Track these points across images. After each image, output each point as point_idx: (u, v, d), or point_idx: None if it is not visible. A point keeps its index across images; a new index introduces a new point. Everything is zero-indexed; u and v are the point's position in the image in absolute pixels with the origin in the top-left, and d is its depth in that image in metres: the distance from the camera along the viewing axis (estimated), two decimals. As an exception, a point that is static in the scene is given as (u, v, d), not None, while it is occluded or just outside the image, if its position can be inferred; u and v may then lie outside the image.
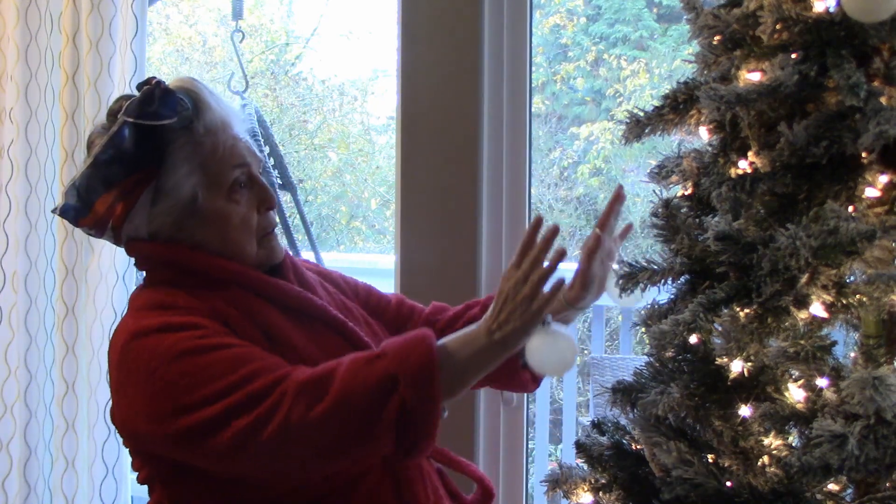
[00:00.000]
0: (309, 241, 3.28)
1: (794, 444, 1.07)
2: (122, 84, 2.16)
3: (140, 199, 1.34)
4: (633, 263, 1.17)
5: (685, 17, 1.18)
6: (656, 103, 1.20)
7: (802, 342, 1.03)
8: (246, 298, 1.36)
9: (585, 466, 1.25)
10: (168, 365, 1.22)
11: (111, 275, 2.21)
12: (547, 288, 1.18)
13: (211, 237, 1.37)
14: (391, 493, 1.35)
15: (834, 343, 1.05)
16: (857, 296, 1.01)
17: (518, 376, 1.48)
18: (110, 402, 1.32)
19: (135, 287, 1.41)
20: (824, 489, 1.03)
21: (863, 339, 1.06)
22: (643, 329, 1.18)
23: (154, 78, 1.35)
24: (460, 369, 1.22)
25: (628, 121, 1.19)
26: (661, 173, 1.23)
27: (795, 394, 1.05)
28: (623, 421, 1.25)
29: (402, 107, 2.05)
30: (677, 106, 1.15)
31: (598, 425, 1.28)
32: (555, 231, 1.20)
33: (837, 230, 0.95)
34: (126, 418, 1.28)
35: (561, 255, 1.19)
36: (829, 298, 1.01)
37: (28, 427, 2.29)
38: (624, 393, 1.17)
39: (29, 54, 2.23)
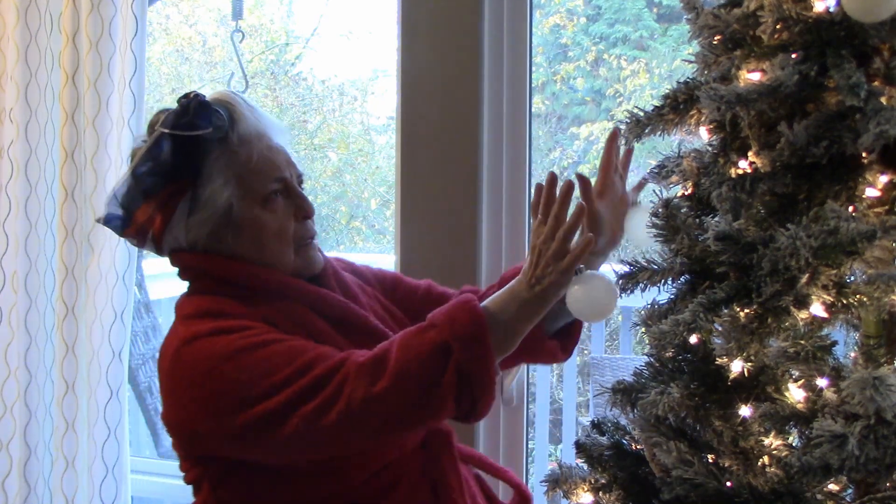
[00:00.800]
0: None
1: (794, 445, 1.07)
2: (122, 84, 2.16)
3: (177, 210, 1.36)
4: (633, 263, 1.17)
5: (685, 17, 1.18)
6: (656, 103, 1.20)
7: (802, 342, 1.03)
8: (289, 307, 1.37)
9: (585, 466, 1.25)
10: (225, 363, 1.25)
11: (111, 275, 2.21)
12: (574, 242, 1.22)
13: (248, 246, 1.38)
14: (428, 497, 1.36)
15: (834, 343, 1.05)
16: (858, 296, 1.01)
17: (545, 346, 1.48)
18: (162, 408, 1.35)
19: (179, 296, 1.43)
20: (824, 489, 1.03)
21: (863, 339, 1.06)
22: (643, 329, 1.18)
23: (193, 91, 1.38)
24: (508, 326, 1.25)
25: (628, 121, 1.18)
26: (661, 173, 1.23)
27: (795, 394, 1.05)
28: (623, 421, 1.25)
29: (402, 107, 2.05)
30: (677, 106, 1.15)
31: (598, 425, 1.28)
32: (570, 186, 1.24)
33: (837, 230, 0.95)
34: (181, 421, 1.30)
35: (581, 211, 1.24)
36: (829, 298, 1.01)
37: (28, 427, 2.29)
38: (624, 393, 1.17)
39: (29, 54, 2.23)
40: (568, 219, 1.23)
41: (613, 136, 1.43)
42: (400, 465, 1.38)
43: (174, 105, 1.38)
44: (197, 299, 1.38)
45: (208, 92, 1.41)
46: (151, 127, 1.39)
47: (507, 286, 1.28)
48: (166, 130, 1.34)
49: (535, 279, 1.24)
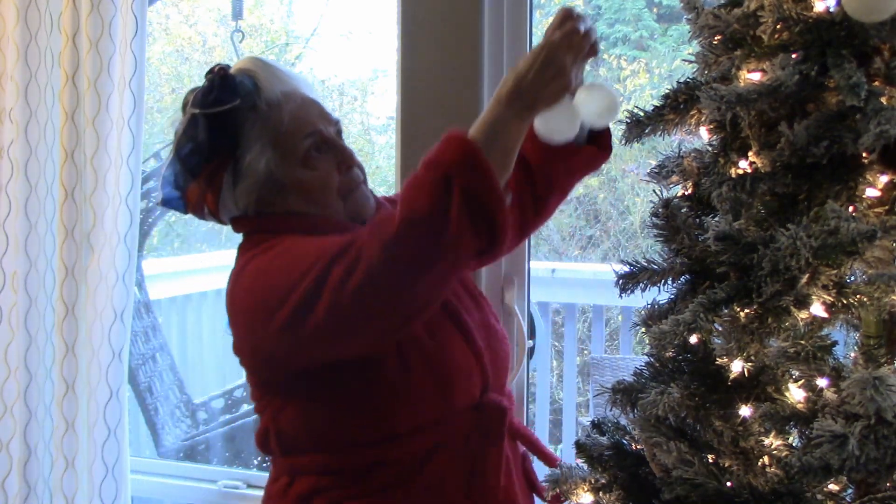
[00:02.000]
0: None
1: (794, 445, 1.07)
2: (122, 84, 2.16)
3: (224, 182, 1.40)
4: (634, 263, 1.17)
5: (685, 17, 1.18)
6: (656, 103, 1.20)
7: (803, 342, 1.03)
8: None
9: (585, 466, 1.25)
10: (263, 276, 1.32)
11: (111, 275, 2.21)
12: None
13: (297, 204, 1.41)
14: (462, 470, 1.37)
15: (834, 343, 1.05)
16: (858, 296, 1.01)
17: (583, 156, 1.48)
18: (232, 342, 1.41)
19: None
20: (824, 489, 1.03)
21: (863, 340, 1.06)
22: (643, 329, 1.18)
23: (218, 65, 1.41)
24: (498, 143, 1.22)
25: (628, 121, 1.18)
26: (661, 173, 1.23)
27: (796, 394, 1.05)
28: (623, 421, 1.25)
29: (402, 107, 2.05)
30: (677, 106, 1.15)
31: (598, 425, 1.28)
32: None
33: (838, 230, 0.95)
34: (243, 343, 1.38)
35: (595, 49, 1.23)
36: (829, 298, 1.01)
37: (28, 427, 2.29)
38: (624, 393, 1.17)
39: (29, 54, 2.23)
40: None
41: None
42: (447, 427, 1.39)
43: (193, 79, 1.42)
44: (277, 250, 1.39)
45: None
46: (184, 107, 1.42)
47: (484, 111, 1.26)
48: (196, 110, 1.38)
49: (523, 92, 1.21)
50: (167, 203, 1.45)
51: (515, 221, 1.54)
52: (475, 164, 1.18)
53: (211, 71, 1.40)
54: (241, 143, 1.39)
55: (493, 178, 1.18)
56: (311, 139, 1.40)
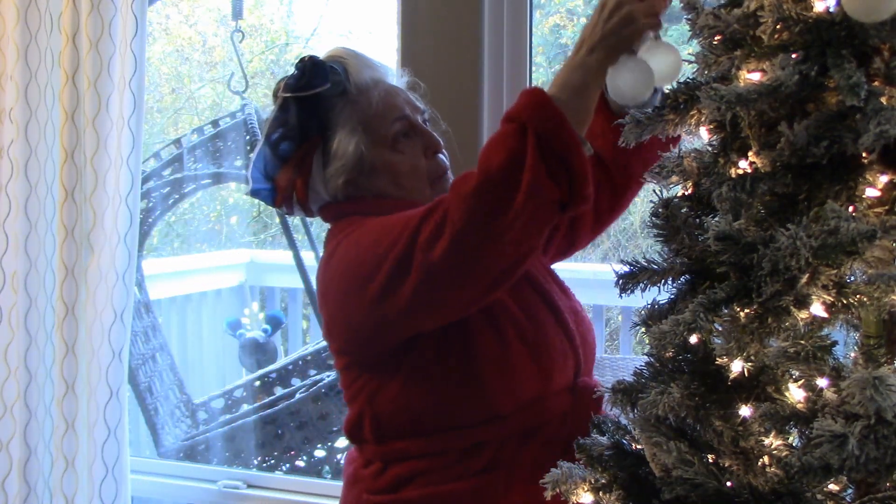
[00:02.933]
0: (308, 240, 3.29)
1: (794, 445, 1.07)
2: (122, 84, 2.17)
3: (313, 167, 1.43)
4: (633, 263, 1.17)
5: (685, 17, 1.18)
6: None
7: (803, 342, 1.03)
8: None
9: (585, 466, 1.25)
10: (354, 253, 1.34)
11: (111, 275, 2.21)
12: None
13: (386, 188, 1.44)
14: (560, 450, 1.37)
15: (834, 343, 1.05)
16: (858, 296, 1.01)
17: (655, 141, 1.48)
18: (323, 327, 1.46)
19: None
20: (824, 489, 1.03)
21: (863, 339, 1.06)
22: (643, 329, 1.18)
23: (307, 55, 1.46)
24: (574, 93, 1.22)
25: (628, 121, 1.18)
26: (661, 173, 1.23)
27: (796, 394, 1.05)
28: (623, 421, 1.24)
29: (402, 107, 2.05)
30: (677, 106, 1.15)
31: (597, 425, 1.28)
32: None
33: (838, 230, 0.95)
34: (338, 321, 1.39)
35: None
36: (829, 298, 1.01)
37: (28, 427, 2.29)
38: (624, 393, 1.17)
39: (29, 54, 2.23)
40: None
41: None
42: (547, 407, 1.40)
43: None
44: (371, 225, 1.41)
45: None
46: (275, 95, 1.46)
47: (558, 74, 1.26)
48: (288, 94, 1.42)
49: (592, 41, 1.21)
50: (256, 194, 1.47)
51: (590, 217, 1.57)
52: (548, 110, 1.18)
53: (301, 60, 1.44)
54: (331, 126, 1.42)
55: (566, 123, 1.18)
56: (400, 123, 1.44)
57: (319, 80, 1.41)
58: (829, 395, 1.02)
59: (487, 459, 1.38)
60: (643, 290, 1.18)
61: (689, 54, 1.19)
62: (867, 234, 0.95)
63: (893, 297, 0.99)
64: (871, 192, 1.03)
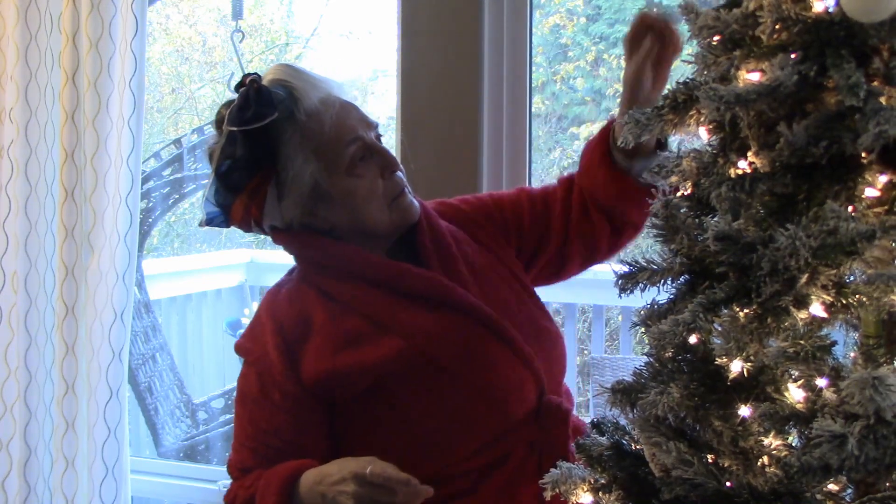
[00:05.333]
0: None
1: (793, 445, 1.07)
2: (122, 84, 2.16)
3: (267, 195, 1.39)
4: (633, 263, 1.17)
5: (684, 17, 1.18)
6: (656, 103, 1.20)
7: (802, 342, 1.03)
8: (354, 289, 1.39)
9: (585, 466, 1.25)
10: (238, 399, 1.49)
11: (111, 275, 2.21)
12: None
13: (342, 216, 1.41)
14: (535, 472, 1.37)
15: (834, 343, 1.05)
16: (857, 296, 1.01)
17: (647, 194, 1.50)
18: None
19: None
20: (824, 489, 1.03)
21: (863, 339, 1.06)
22: (643, 329, 1.18)
23: (249, 76, 1.37)
24: None
25: (628, 121, 1.18)
26: (660, 173, 1.23)
27: (795, 394, 1.05)
28: (623, 421, 1.24)
29: (402, 107, 2.05)
30: (677, 106, 1.15)
31: (597, 425, 1.28)
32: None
33: (837, 230, 0.95)
34: None
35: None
36: (828, 298, 1.01)
37: (28, 427, 2.29)
38: (624, 393, 1.17)
39: (29, 54, 2.23)
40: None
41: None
42: (511, 437, 1.39)
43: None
44: (286, 291, 1.47)
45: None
46: (219, 124, 1.40)
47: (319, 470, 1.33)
48: (234, 128, 1.35)
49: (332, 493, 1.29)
50: (210, 222, 1.43)
51: (581, 253, 1.55)
52: None
53: (242, 84, 1.36)
54: (282, 155, 1.37)
55: None
56: (355, 146, 1.39)
57: (266, 110, 1.33)
58: (829, 395, 1.02)
59: (450, 490, 1.38)
60: (643, 290, 1.18)
61: (689, 54, 1.19)
62: (867, 234, 0.95)
63: (893, 297, 0.99)
64: (871, 192, 1.03)
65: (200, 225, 1.46)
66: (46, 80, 2.24)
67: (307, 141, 1.37)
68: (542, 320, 1.51)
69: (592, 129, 4.99)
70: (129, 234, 2.21)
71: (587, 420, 1.35)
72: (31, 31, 2.23)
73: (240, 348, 1.46)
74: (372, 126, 1.45)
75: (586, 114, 5.19)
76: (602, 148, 1.51)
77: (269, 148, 1.36)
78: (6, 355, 2.29)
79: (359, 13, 5.33)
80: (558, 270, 1.62)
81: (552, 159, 5.10)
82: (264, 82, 1.37)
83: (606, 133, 1.52)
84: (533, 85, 2.08)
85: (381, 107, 5.56)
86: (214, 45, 5.47)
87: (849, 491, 1.06)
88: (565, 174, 1.64)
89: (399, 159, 2.05)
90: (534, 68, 2.12)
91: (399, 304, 1.38)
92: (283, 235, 1.44)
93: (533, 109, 2.08)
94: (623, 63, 1.48)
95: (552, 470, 1.25)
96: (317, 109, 1.38)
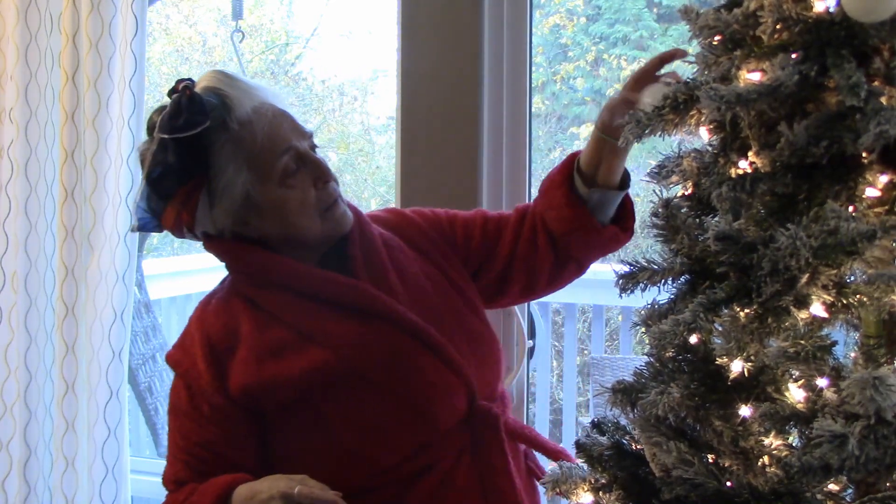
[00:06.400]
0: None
1: (794, 445, 1.07)
2: (122, 84, 2.16)
3: (199, 202, 1.37)
4: (633, 263, 1.17)
5: (685, 18, 1.18)
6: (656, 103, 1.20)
7: (802, 342, 1.03)
8: (281, 298, 1.38)
9: (585, 466, 1.25)
10: (170, 412, 1.47)
11: (111, 275, 2.21)
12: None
13: (273, 226, 1.40)
14: (473, 478, 1.38)
15: (834, 343, 1.05)
16: (858, 296, 1.01)
17: (606, 234, 1.51)
18: None
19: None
20: (824, 489, 1.03)
21: (863, 340, 1.06)
22: (643, 329, 1.18)
23: (182, 82, 1.36)
24: None
25: (628, 121, 1.18)
26: (661, 173, 1.23)
27: (795, 394, 1.05)
28: (623, 421, 1.24)
29: (402, 107, 2.05)
30: (677, 106, 1.15)
31: (598, 425, 1.28)
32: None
33: (838, 230, 0.95)
34: None
35: None
36: (829, 298, 1.01)
37: (28, 427, 2.29)
38: (624, 393, 1.17)
39: (29, 54, 2.23)
40: None
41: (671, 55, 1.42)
42: (439, 445, 1.39)
43: (168, 100, 1.37)
44: (216, 302, 1.46)
45: (197, 76, 1.40)
46: (150, 130, 1.38)
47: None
48: (165, 135, 1.33)
49: None
50: (142, 228, 1.41)
51: (523, 278, 1.55)
52: None
53: (175, 90, 1.35)
54: (214, 164, 1.35)
55: None
56: (287, 156, 1.37)
57: (198, 118, 1.31)
58: (829, 395, 1.02)
59: (377, 500, 1.39)
60: (643, 290, 1.18)
61: (689, 54, 1.19)
62: (867, 234, 0.95)
63: (893, 297, 0.99)
64: (871, 192, 1.03)
65: (132, 230, 1.45)
66: (46, 80, 2.24)
67: (239, 150, 1.35)
68: (476, 325, 1.51)
69: (592, 128, 4.99)
70: (129, 234, 2.21)
71: (587, 421, 1.34)
72: (31, 31, 2.23)
73: (170, 359, 1.45)
74: (306, 135, 1.42)
75: (586, 114, 5.19)
76: (565, 172, 1.53)
77: (201, 156, 1.34)
78: (6, 355, 2.29)
79: (359, 13, 5.33)
80: (495, 295, 1.61)
81: (552, 159, 5.10)
82: (197, 89, 1.35)
83: (572, 159, 1.54)
84: (533, 85, 2.08)
85: (381, 107, 5.56)
86: (214, 45, 5.47)
87: (849, 491, 1.06)
88: (524, 203, 1.65)
89: (399, 159, 2.06)
90: (534, 68, 2.12)
91: (326, 315, 1.38)
92: (213, 243, 1.43)
93: (533, 109, 2.08)
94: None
95: (552, 469, 1.25)
96: (249, 119, 1.35)
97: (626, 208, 1.54)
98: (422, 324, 1.40)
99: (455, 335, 1.44)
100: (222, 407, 1.37)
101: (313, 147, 1.43)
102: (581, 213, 1.49)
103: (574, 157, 1.54)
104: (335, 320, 1.38)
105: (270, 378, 1.36)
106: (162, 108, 1.38)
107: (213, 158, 1.35)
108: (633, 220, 1.54)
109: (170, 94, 1.36)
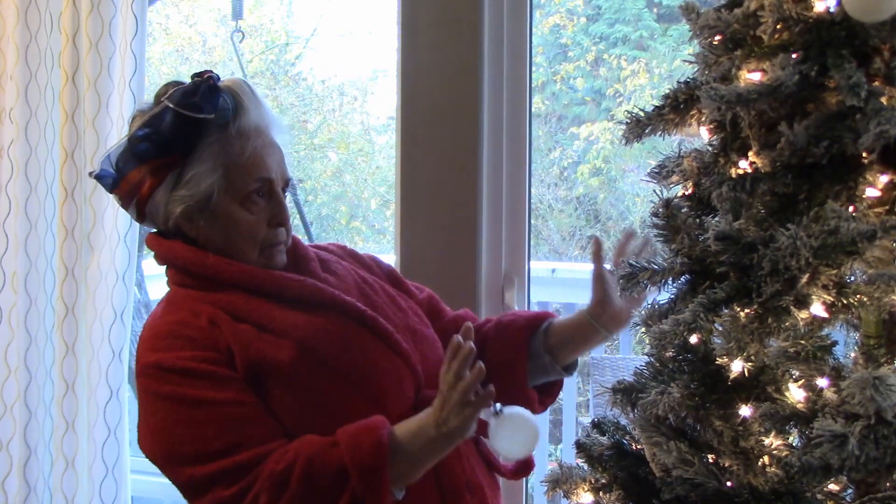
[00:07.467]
0: (308, 240, 3.29)
1: (794, 445, 1.07)
2: (122, 84, 2.17)
3: (165, 180, 1.39)
4: (634, 263, 1.17)
5: (685, 17, 1.18)
6: (656, 103, 1.20)
7: (803, 342, 1.03)
8: (236, 298, 1.39)
9: (585, 466, 1.25)
10: (168, 407, 1.33)
11: (111, 275, 2.21)
12: (473, 395, 1.28)
13: (215, 236, 1.42)
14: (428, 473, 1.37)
15: (834, 343, 1.05)
16: (858, 296, 1.01)
17: (525, 394, 1.56)
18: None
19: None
20: (824, 489, 1.03)
21: (863, 339, 1.06)
22: (643, 329, 1.18)
23: (209, 72, 1.40)
24: (411, 460, 1.31)
25: (628, 121, 1.18)
26: (661, 173, 1.23)
27: (796, 394, 1.05)
28: (623, 421, 1.25)
29: (402, 107, 2.05)
30: (678, 106, 1.15)
31: (598, 425, 1.28)
32: (470, 351, 1.30)
33: (838, 230, 0.95)
34: (140, 438, 1.38)
35: (480, 373, 1.29)
36: (829, 298, 1.01)
37: (28, 427, 2.29)
38: (624, 393, 1.17)
39: (29, 54, 2.23)
40: (468, 375, 1.28)
41: (597, 250, 1.53)
42: None
43: (186, 80, 1.40)
44: (169, 304, 1.44)
45: (224, 74, 1.43)
46: (158, 98, 1.41)
47: (418, 416, 1.33)
48: (171, 105, 1.36)
49: (442, 420, 1.29)
50: (100, 178, 1.42)
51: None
52: (375, 474, 1.27)
53: (200, 75, 1.39)
54: (195, 153, 1.38)
55: (384, 495, 1.27)
56: (259, 183, 1.40)
57: (207, 106, 1.36)
58: (829, 395, 1.02)
59: None
60: (643, 290, 1.18)
61: (690, 54, 1.19)
62: (867, 234, 0.95)
63: (893, 297, 0.99)
64: (871, 192, 1.03)
65: (90, 175, 1.46)
66: (46, 80, 2.24)
67: (224, 154, 1.39)
68: (417, 325, 1.54)
69: (592, 128, 4.99)
70: (129, 234, 2.21)
71: (587, 421, 1.35)
72: (31, 31, 2.23)
73: (167, 362, 1.42)
74: (286, 178, 1.47)
75: (586, 114, 5.19)
76: (534, 323, 1.59)
77: (191, 140, 1.38)
78: (6, 355, 2.29)
79: (359, 13, 5.33)
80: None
81: (552, 159, 5.10)
82: (220, 84, 1.40)
83: (546, 317, 1.61)
84: (533, 85, 2.08)
85: (381, 107, 5.56)
86: (214, 45, 5.47)
87: (849, 491, 1.06)
88: (465, 313, 1.66)
89: (399, 159, 2.06)
90: (534, 68, 2.12)
91: (281, 309, 1.41)
92: (155, 240, 1.45)
93: (533, 109, 2.08)
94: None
95: (552, 469, 1.26)
96: (248, 133, 1.40)
97: (554, 390, 1.63)
98: (369, 312, 1.44)
99: (400, 331, 1.47)
100: (243, 386, 1.37)
101: (286, 189, 1.47)
102: (520, 360, 1.56)
103: (548, 316, 1.62)
104: (289, 313, 1.40)
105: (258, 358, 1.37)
106: (178, 82, 1.41)
107: (198, 148, 1.38)
108: (552, 402, 1.65)
109: (193, 76, 1.40)
